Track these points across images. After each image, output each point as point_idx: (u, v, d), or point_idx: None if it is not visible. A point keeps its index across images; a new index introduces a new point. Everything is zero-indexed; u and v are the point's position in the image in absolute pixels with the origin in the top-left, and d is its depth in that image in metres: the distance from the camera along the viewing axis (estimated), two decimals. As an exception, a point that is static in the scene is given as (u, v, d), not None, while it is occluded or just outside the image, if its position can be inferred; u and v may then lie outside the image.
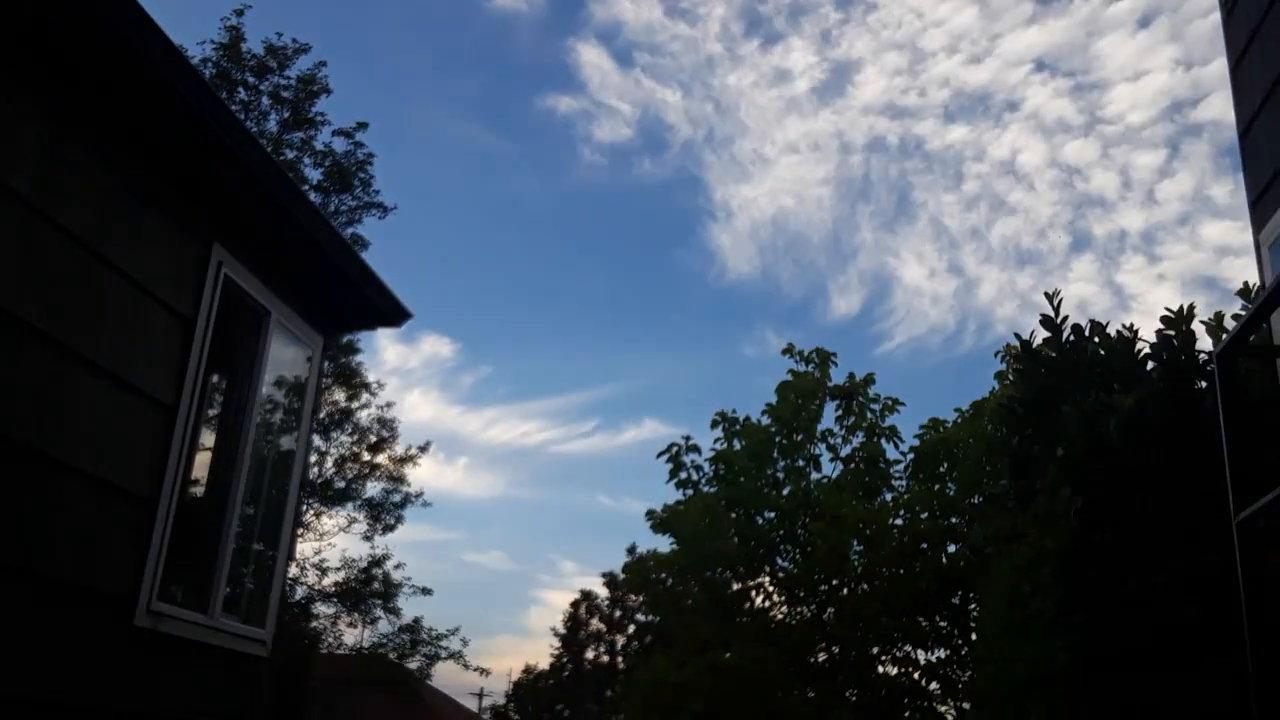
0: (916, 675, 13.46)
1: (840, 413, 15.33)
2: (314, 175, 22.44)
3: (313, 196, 21.57)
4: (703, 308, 59.32)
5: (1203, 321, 5.76)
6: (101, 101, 4.28)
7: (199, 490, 5.62)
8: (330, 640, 23.37)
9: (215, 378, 5.86)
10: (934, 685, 13.30)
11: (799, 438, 15.23)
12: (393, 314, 6.49)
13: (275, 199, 5.08)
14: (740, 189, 51.28)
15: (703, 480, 15.44)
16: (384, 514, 23.48)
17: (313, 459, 22.80)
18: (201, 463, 5.59)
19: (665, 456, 15.70)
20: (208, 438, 5.69)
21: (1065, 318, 6.52)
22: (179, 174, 4.78)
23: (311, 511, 23.12)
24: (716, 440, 15.53)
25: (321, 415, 22.89)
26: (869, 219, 49.85)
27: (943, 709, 13.28)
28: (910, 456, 14.41)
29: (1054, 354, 6.24)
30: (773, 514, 14.64)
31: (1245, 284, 6.02)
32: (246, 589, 5.81)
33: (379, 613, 23.32)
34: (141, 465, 4.56)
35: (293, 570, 22.20)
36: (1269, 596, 3.33)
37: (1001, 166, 45.49)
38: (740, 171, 51.04)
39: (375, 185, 22.81)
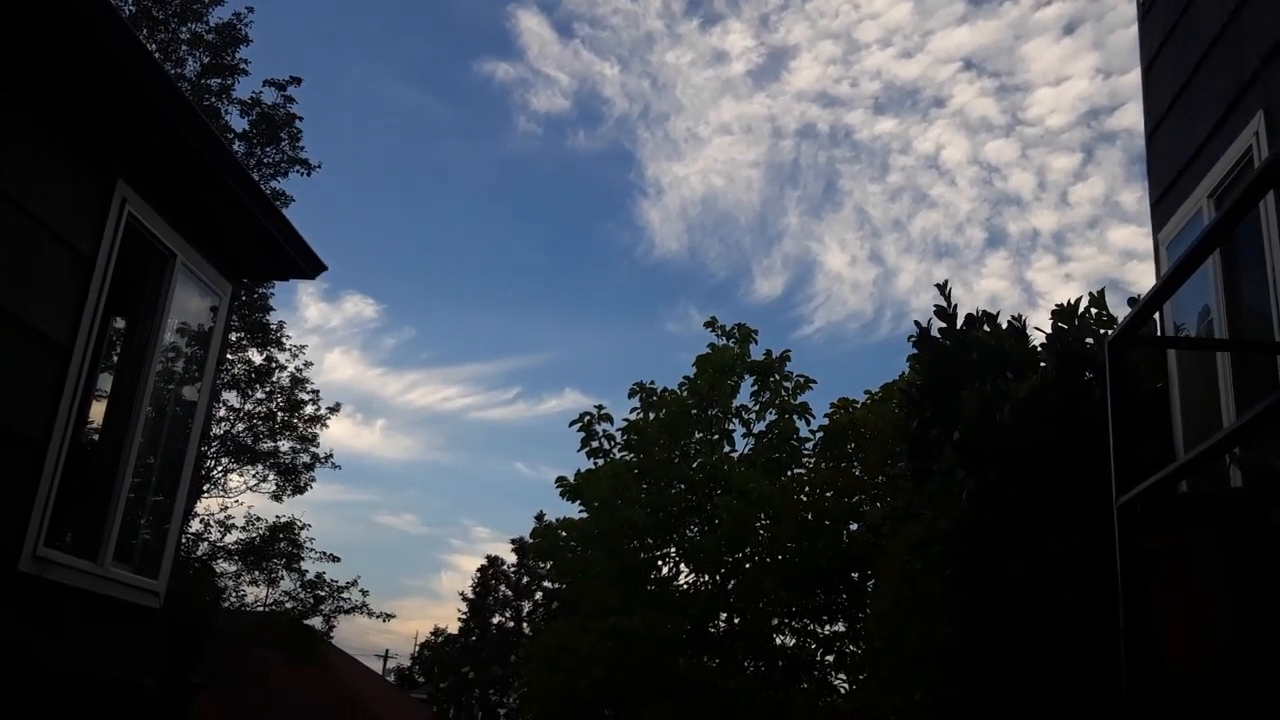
0: (813, 647, 13.78)
1: (756, 389, 15.54)
2: (240, 124, 21.82)
3: (237, 146, 20.96)
4: (629, 282, 59.45)
5: (1093, 322, 6.02)
6: None
7: (94, 436, 5.47)
8: (233, 598, 22.97)
9: (119, 322, 5.69)
10: (829, 658, 13.64)
11: (714, 412, 15.39)
12: (307, 265, 6.36)
13: (186, 139, 4.93)
14: (672, 166, 51.40)
15: (614, 449, 15.55)
16: (294, 476, 23.05)
17: (222, 413, 22.28)
18: (98, 408, 5.43)
19: (577, 425, 15.77)
20: (105, 382, 5.53)
21: (956, 306, 6.74)
22: (84, 106, 4.61)
23: (220, 468, 22.60)
24: (633, 410, 15.65)
25: (235, 372, 22.32)
26: (796, 204, 50.41)
27: (835, 681, 13.63)
28: (820, 435, 14.67)
29: (949, 342, 6.43)
30: (683, 485, 14.80)
31: (1100, 292, 6.39)
32: (141, 539, 5.68)
33: (282, 573, 22.97)
34: (31, 406, 4.42)
35: (196, 526, 21.72)
36: (1148, 578, 3.46)
37: (926, 160, 46.35)
38: (673, 149, 51.14)
39: (302, 141, 22.27)
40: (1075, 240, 49.93)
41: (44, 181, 4.44)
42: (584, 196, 60.55)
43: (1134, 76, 6.02)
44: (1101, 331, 5.90)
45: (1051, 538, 4.80)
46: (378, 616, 24.58)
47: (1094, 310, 6.19)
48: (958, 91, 44.45)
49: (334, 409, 23.81)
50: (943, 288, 6.84)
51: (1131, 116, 37.59)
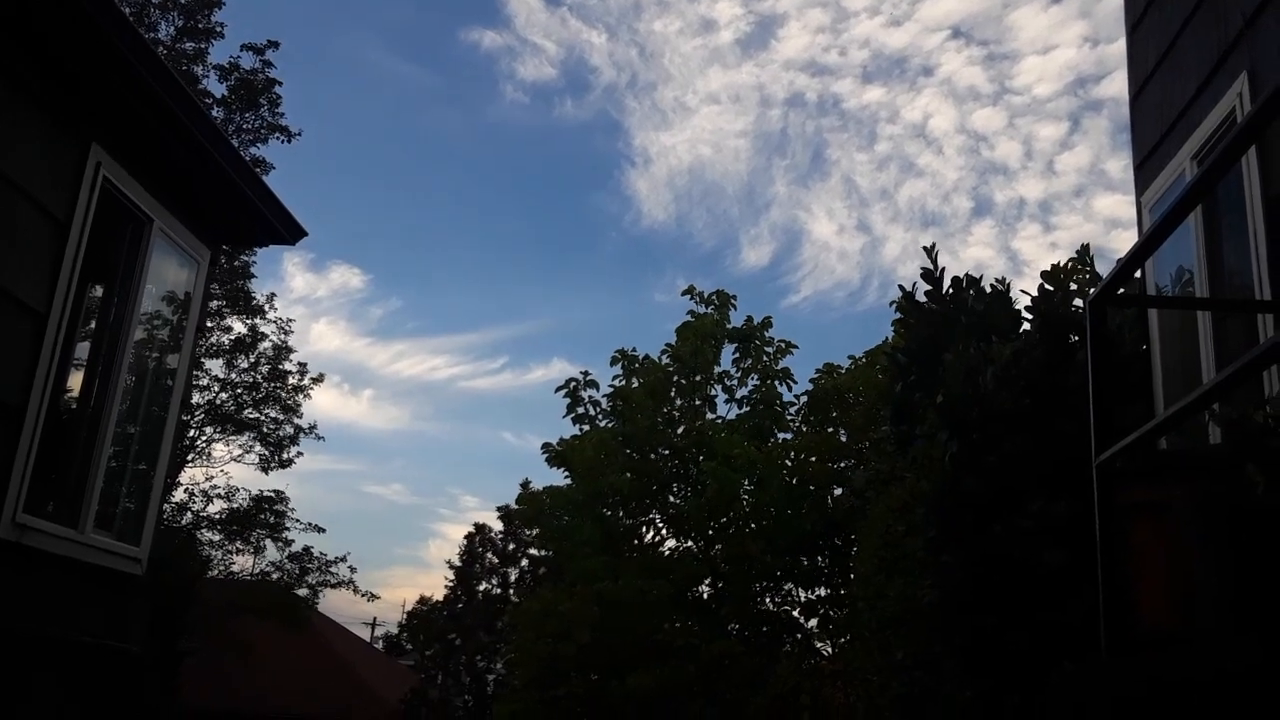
0: (796, 612, 13.88)
1: (737, 355, 15.57)
2: (219, 89, 21.54)
3: (215, 112, 20.71)
4: (616, 252, 58.99)
5: (1075, 281, 6.02)
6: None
7: (73, 403, 5.44)
8: (220, 567, 22.96)
9: (98, 289, 5.63)
10: (812, 622, 13.74)
11: (697, 378, 15.42)
12: (286, 230, 6.30)
13: (161, 101, 4.86)
14: (659, 136, 50.85)
15: (599, 416, 15.57)
16: (279, 448, 22.95)
17: (204, 381, 22.15)
18: (77, 375, 5.39)
19: (563, 391, 15.77)
20: (84, 349, 5.49)
21: (943, 270, 6.74)
22: (56, 66, 4.54)
23: (204, 438, 22.50)
24: (616, 378, 15.65)
25: (216, 340, 22.17)
26: (783, 173, 49.99)
27: (818, 644, 13.74)
28: (804, 400, 14.71)
29: (934, 306, 6.43)
30: (667, 451, 14.84)
31: (1084, 245, 6.34)
32: (123, 506, 5.66)
33: (266, 542, 22.95)
34: (7, 372, 4.38)
35: (180, 495, 21.67)
36: (1127, 533, 3.48)
37: (913, 129, 46.03)
38: (660, 118, 50.58)
39: (282, 108, 21.98)
40: (1061, 209, 49.92)
41: (14, 143, 4.37)
42: (571, 166, 60.01)
43: (1121, 45, 5.96)
44: (1089, 290, 5.91)
45: (1033, 500, 4.83)
46: (363, 595, 24.66)
47: (1087, 270, 6.14)
48: (945, 60, 44.17)
49: (318, 379, 23.68)
50: (930, 251, 6.86)
51: (1118, 86, 37.29)
